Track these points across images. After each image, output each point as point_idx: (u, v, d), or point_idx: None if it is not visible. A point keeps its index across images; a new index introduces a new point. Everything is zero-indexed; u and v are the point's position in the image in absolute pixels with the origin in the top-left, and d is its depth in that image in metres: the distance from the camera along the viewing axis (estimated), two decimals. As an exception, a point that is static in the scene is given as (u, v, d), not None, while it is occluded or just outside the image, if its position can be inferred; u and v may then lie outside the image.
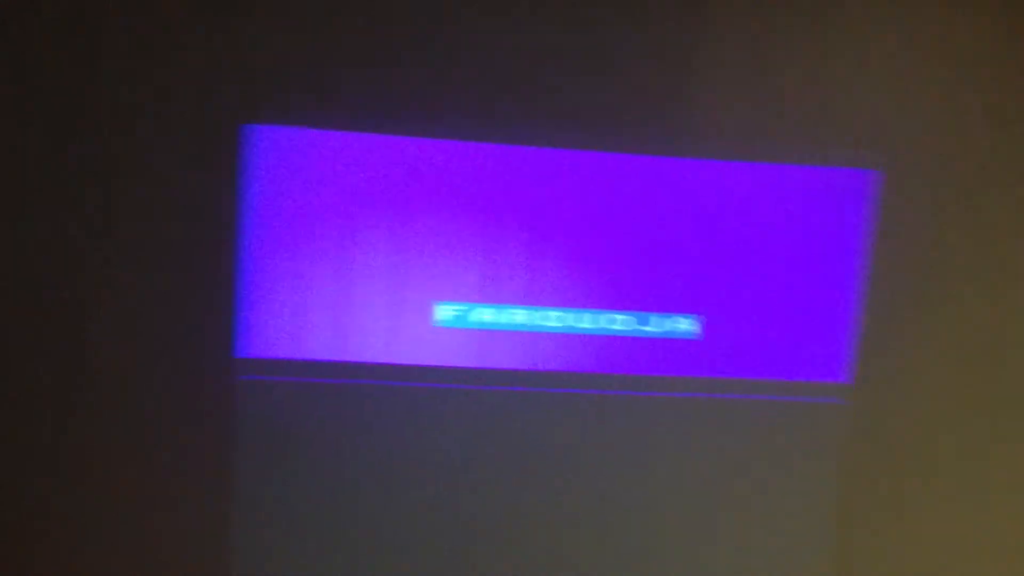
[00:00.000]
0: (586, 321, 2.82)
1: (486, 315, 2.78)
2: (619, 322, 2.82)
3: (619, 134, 2.73)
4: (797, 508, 2.96)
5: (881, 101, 2.78)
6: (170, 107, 2.57)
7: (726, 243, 2.82)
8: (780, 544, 2.97)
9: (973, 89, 2.80)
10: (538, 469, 2.87)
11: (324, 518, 2.82)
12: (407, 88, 2.64)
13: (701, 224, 2.81)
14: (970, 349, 2.93)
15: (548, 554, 2.92)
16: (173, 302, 2.66)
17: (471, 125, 2.69)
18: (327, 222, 2.69)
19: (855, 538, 2.98)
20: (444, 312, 2.76)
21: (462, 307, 2.77)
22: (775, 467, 2.93)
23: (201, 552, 2.78)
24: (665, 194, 2.79)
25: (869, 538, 2.99)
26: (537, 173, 2.74)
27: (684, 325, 2.84)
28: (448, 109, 2.66)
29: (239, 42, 2.56)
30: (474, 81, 2.65)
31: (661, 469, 2.90)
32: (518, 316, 2.79)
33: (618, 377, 2.86)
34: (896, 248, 2.85)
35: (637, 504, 2.92)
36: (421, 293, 2.76)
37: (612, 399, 2.86)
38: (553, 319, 2.80)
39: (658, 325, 2.84)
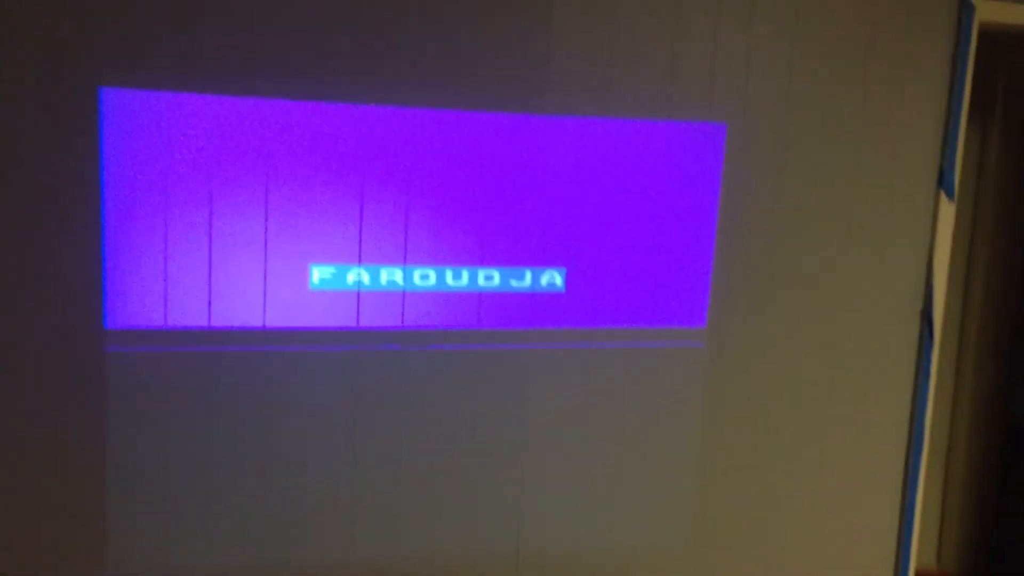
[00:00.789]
0: (458, 278, 2.88)
1: (362, 276, 2.81)
2: (489, 278, 2.90)
3: (480, 92, 2.80)
4: (663, 447, 3.13)
5: (729, 56, 2.95)
6: (23, 70, 2.47)
7: (587, 198, 2.94)
8: (648, 483, 3.14)
9: (815, 44, 3.01)
10: (417, 425, 2.92)
11: (202, 488, 2.79)
12: (271, 49, 2.62)
13: (563, 180, 2.92)
14: (815, 293, 3.16)
15: (428, 509, 2.98)
16: (33, 274, 2.57)
17: (336, 85, 2.70)
18: (195, 187, 2.65)
19: (716, 474, 3.18)
20: (320, 274, 2.77)
21: (337, 269, 2.78)
22: (642, 410, 3.09)
23: (75, 527, 2.70)
24: (527, 150, 2.88)
25: (729, 473, 3.19)
26: (405, 133, 2.78)
27: (552, 279, 2.95)
28: (312, 70, 2.66)
29: (96, 2, 2.48)
30: (337, 41, 2.66)
31: (535, 418, 3.01)
32: (393, 276, 2.83)
33: (491, 332, 2.94)
34: (745, 198, 3.04)
35: (513, 452, 3.01)
36: (295, 256, 2.76)
37: (485, 353, 2.95)
38: (428, 278, 2.86)
39: (527, 279, 2.93)
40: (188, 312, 2.70)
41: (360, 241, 2.79)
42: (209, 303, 2.71)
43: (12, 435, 2.62)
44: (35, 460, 2.64)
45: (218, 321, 2.73)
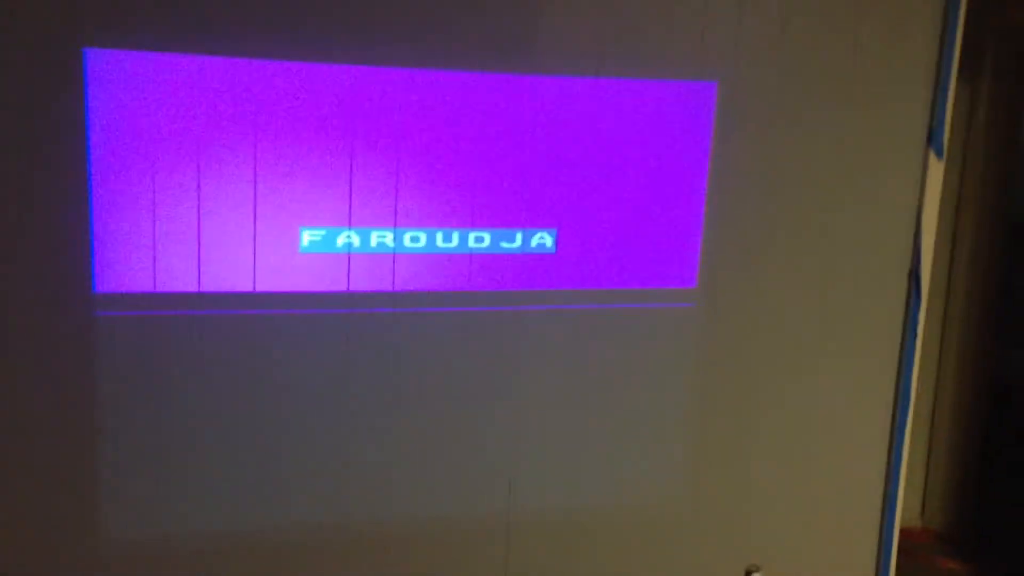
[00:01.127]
0: (448, 240, 2.88)
1: (352, 239, 2.80)
2: (480, 240, 2.90)
3: (470, 52, 2.78)
4: (654, 407, 3.15)
5: (720, 13, 2.93)
6: (7, 33, 2.42)
7: (577, 159, 2.93)
8: (640, 443, 3.16)
9: (806, 1, 3.00)
10: (408, 388, 2.92)
11: (191, 451, 2.79)
12: (258, 9, 2.59)
13: (552, 141, 2.90)
14: (804, 252, 3.17)
15: (418, 472, 2.99)
16: (22, 240, 2.54)
17: (323, 46, 2.67)
18: (182, 150, 2.63)
19: (706, 433, 3.21)
20: (309, 237, 2.76)
21: (327, 232, 2.77)
22: (633, 370, 3.10)
23: (66, 490, 2.70)
24: (517, 111, 2.86)
25: (719, 432, 3.22)
26: (394, 94, 2.76)
27: (542, 240, 2.95)
28: (299, 30, 2.63)
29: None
30: (325, 1, 2.63)
31: (527, 379, 3.02)
32: (384, 238, 2.82)
33: (481, 294, 2.94)
34: (735, 157, 3.04)
35: (505, 414, 3.02)
36: (285, 219, 2.74)
37: (476, 315, 2.95)
38: (418, 240, 2.85)
39: (518, 241, 2.93)
40: (177, 276, 2.69)
41: (350, 204, 2.78)
42: (199, 267, 2.70)
43: (2, 400, 2.60)
44: (25, 424, 2.63)
45: (207, 285, 2.71)
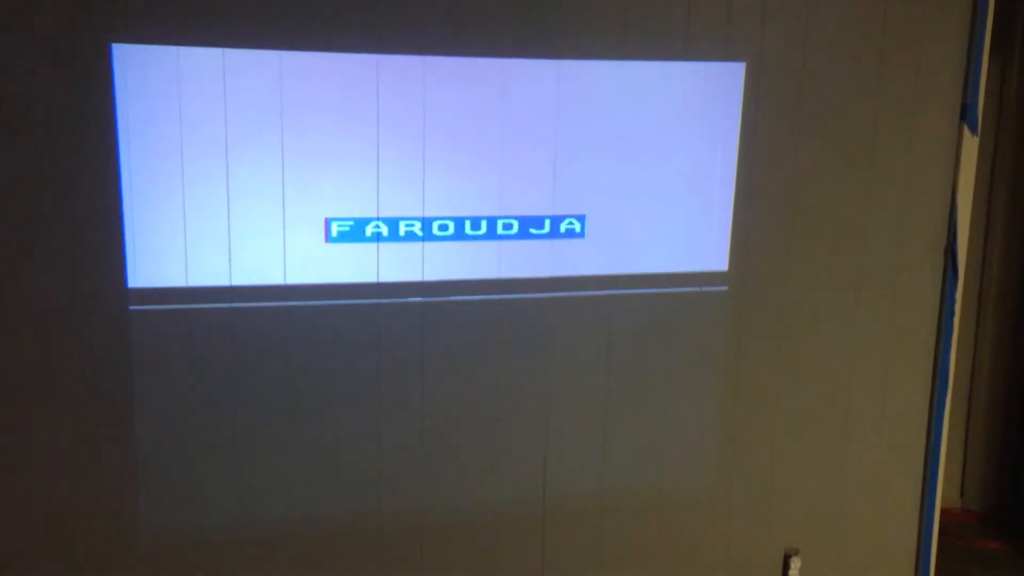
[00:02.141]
0: (477, 228, 2.86)
1: (381, 228, 2.79)
2: (508, 227, 2.88)
3: (495, 38, 2.76)
4: (686, 392, 3.13)
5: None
6: (35, 30, 2.43)
7: (605, 143, 2.91)
8: (673, 429, 3.14)
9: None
10: (440, 377, 2.92)
11: (226, 443, 2.80)
12: (283, 1, 2.58)
13: (580, 125, 2.88)
14: (837, 232, 3.14)
15: (452, 460, 2.99)
16: (55, 236, 2.56)
17: (348, 36, 2.66)
18: (211, 143, 2.63)
19: (740, 418, 3.18)
20: (338, 228, 2.76)
21: (356, 222, 2.76)
22: (665, 355, 3.08)
23: (105, 483, 2.72)
24: (544, 96, 2.84)
25: (753, 417, 3.20)
26: (422, 81, 2.74)
27: (572, 226, 2.93)
28: (324, 21, 2.62)
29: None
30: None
31: (558, 367, 3.01)
32: (412, 227, 2.82)
33: (511, 281, 2.93)
34: (764, 138, 3.00)
35: (537, 402, 3.01)
36: (313, 210, 2.74)
37: (506, 303, 2.93)
38: (446, 228, 2.84)
39: (547, 227, 2.91)
40: (208, 269, 2.69)
41: (378, 193, 2.77)
42: (229, 260, 2.70)
43: (41, 394, 2.62)
44: (64, 419, 2.65)
45: (238, 278, 2.72)
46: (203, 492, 2.81)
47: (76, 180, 2.55)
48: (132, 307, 2.65)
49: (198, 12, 2.54)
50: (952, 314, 3.22)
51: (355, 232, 2.78)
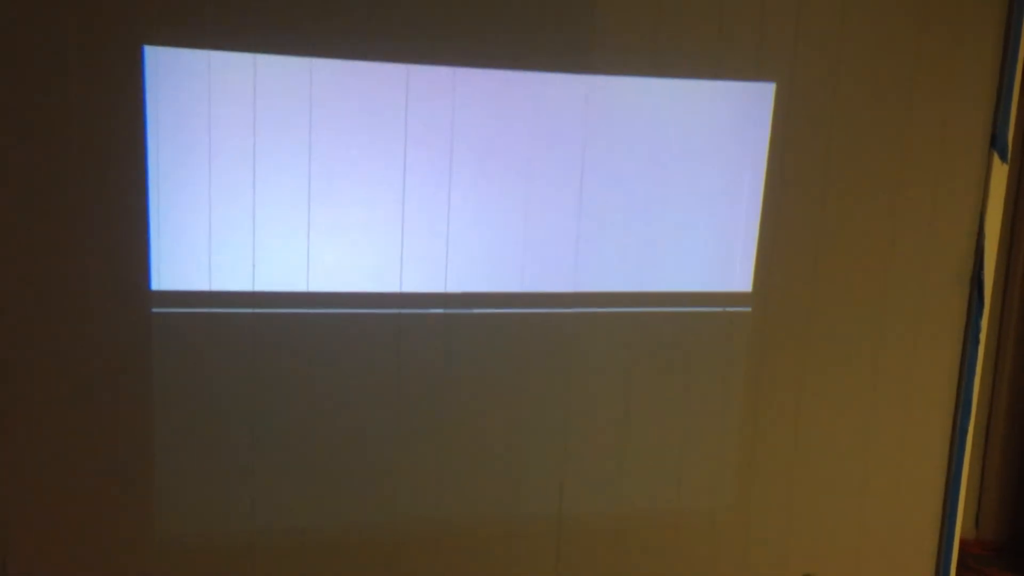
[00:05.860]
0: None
1: (405, 239, 2.78)
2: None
3: (526, 51, 2.75)
4: (708, 411, 3.11)
5: (778, 13, 2.89)
6: (66, 30, 2.44)
7: (632, 159, 2.90)
8: (693, 448, 3.12)
9: (865, 1, 2.95)
10: (461, 389, 2.91)
11: (246, 450, 2.78)
12: (315, 8, 2.58)
13: (607, 140, 2.87)
14: (863, 256, 3.11)
15: (471, 473, 2.97)
16: (80, 237, 2.55)
17: (379, 45, 2.65)
18: (239, 148, 2.63)
19: (761, 439, 3.16)
20: (361, 237, 2.75)
21: (379, 232, 2.75)
22: (687, 374, 3.06)
23: (123, 487, 2.71)
24: (571, 111, 2.83)
25: (774, 438, 3.17)
26: (449, 93, 2.74)
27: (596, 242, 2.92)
28: (356, 29, 2.62)
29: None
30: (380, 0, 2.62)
31: (580, 382, 2.99)
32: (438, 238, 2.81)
33: (534, 295, 2.91)
34: (792, 159, 2.99)
35: (558, 417, 3.00)
36: (338, 219, 2.73)
37: (529, 316, 2.92)
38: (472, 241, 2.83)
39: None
40: (232, 274, 2.69)
41: (403, 203, 2.76)
42: (253, 265, 2.69)
43: (61, 396, 2.62)
44: (83, 420, 2.64)
45: (262, 283, 2.71)
46: (219, 498, 2.80)
47: (104, 180, 2.54)
48: (155, 310, 2.65)
49: (231, 17, 2.54)
50: (977, 343, 3.19)
51: (379, 242, 2.77)
